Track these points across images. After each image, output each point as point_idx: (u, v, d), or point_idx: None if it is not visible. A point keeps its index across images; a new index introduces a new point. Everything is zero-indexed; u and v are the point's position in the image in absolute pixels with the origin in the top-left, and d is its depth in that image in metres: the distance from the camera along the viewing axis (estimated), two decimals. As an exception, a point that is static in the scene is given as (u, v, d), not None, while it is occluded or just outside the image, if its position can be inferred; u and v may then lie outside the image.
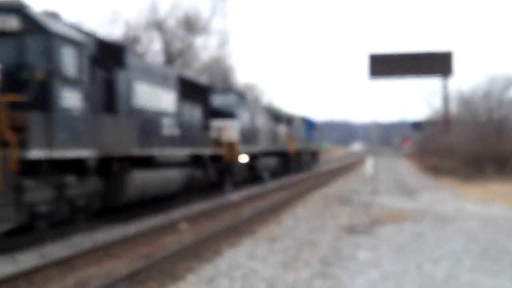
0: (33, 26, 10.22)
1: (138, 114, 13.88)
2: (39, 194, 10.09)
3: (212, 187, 20.26)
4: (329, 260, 9.23)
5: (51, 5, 61.16)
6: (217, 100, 23.01)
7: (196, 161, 18.34)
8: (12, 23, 10.12)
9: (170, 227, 12.93)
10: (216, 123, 21.25)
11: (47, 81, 10.19)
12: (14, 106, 9.64)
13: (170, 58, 39.57)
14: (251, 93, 32.89)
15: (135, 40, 39.96)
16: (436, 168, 35.80)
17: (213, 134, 20.51)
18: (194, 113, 18.43)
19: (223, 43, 44.58)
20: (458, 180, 28.61)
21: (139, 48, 39.97)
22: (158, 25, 41.37)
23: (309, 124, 43.69)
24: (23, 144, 9.46)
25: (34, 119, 9.72)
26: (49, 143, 10.00)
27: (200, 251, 10.08)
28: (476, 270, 8.46)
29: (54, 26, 10.60)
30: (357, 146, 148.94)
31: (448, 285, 7.54)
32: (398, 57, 51.36)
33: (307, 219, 14.37)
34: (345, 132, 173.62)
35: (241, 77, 78.41)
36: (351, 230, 12.52)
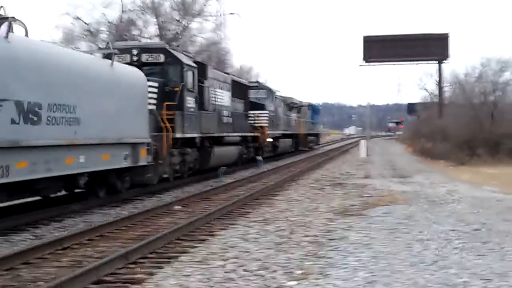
0: (172, 59, 18.51)
1: (215, 109, 21.91)
2: (176, 158, 18.18)
3: (249, 160, 28.27)
4: (320, 241, 9.34)
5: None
6: (251, 94, 30.67)
7: (242, 141, 26.34)
8: (160, 57, 18.45)
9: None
10: (253, 113, 29.40)
11: (180, 92, 18.16)
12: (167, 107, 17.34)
13: (165, 41, 39.46)
14: (270, 85, 37.04)
15: (130, 23, 39.75)
16: (429, 152, 35.97)
17: (250, 121, 28.89)
18: (239, 105, 26.69)
19: (218, 26, 44.47)
20: (451, 163, 28.78)
21: (135, 32, 39.80)
22: (153, 9, 41.18)
23: (314, 110, 51.97)
24: (172, 130, 17.11)
25: (177, 115, 17.71)
26: (182, 129, 18.02)
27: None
28: (465, 250, 8.58)
29: (183, 58, 18.92)
30: (352, 130, 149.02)
31: (437, 265, 7.66)
32: (393, 39, 51.20)
33: (302, 201, 14.48)
34: (340, 115, 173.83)
35: (237, 59, 78.41)
36: (344, 212, 12.64)
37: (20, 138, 9.84)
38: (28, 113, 10.04)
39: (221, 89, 23.27)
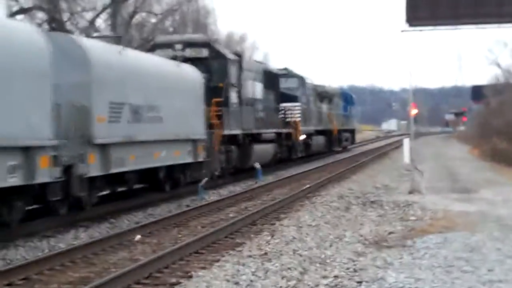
0: (216, 54, 24.38)
1: (252, 104, 27.85)
2: (223, 156, 24.03)
3: (282, 161, 34.44)
4: (345, 285, 9.35)
5: None
6: (282, 84, 34.94)
7: (276, 138, 32.06)
8: (203, 52, 24.11)
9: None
10: (284, 105, 34.25)
11: (225, 88, 23.78)
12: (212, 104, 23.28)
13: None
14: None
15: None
16: (505, 155, 36.00)
17: (281, 115, 33.83)
18: (271, 97, 31.92)
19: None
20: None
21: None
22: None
23: (346, 99, 56.17)
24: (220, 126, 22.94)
25: (224, 112, 23.43)
26: (229, 126, 23.89)
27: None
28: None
29: (227, 53, 24.77)
30: (392, 124, 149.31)
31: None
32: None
33: (318, 227, 14.52)
34: (375, 104, 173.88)
35: (224, 24, 78.62)
36: (379, 242, 12.65)
37: (133, 134, 17.17)
38: (136, 114, 17.38)
39: (255, 80, 28.90)
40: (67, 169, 14.44)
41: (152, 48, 25.52)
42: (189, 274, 10.46)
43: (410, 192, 21.30)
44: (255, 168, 26.91)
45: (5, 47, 12.58)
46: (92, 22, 39.48)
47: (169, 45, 25.07)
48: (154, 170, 19.16)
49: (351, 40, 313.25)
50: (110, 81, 16.41)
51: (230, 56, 25.96)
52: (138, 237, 13.99)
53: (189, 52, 24.74)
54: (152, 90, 18.32)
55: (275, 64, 38.66)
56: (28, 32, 13.81)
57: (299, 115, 35.98)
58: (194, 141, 21.39)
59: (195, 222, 16.50)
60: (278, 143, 32.63)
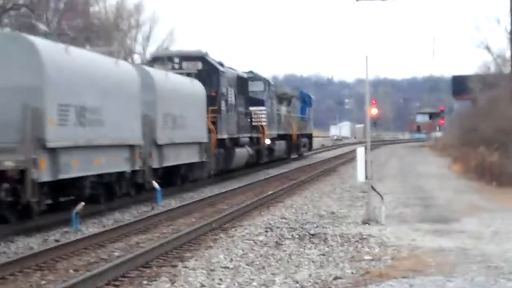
0: (210, 67, 40.24)
1: (232, 110, 42.16)
2: (215, 158, 39.42)
3: (250, 165, 47.10)
4: None
5: None
6: (249, 87, 47.53)
7: (249, 142, 45.69)
8: (198, 65, 39.30)
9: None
10: (251, 109, 46.90)
11: (216, 97, 39.51)
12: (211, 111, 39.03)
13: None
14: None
15: None
16: (496, 172, 36.52)
17: (249, 119, 46.52)
18: (241, 102, 44.55)
19: None
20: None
21: None
22: None
23: (304, 100, 68.72)
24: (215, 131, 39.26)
25: (217, 118, 39.30)
26: (221, 131, 39.69)
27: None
28: None
29: (219, 67, 40.92)
30: (344, 128, 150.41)
31: None
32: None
33: (236, 270, 14.59)
34: (323, 101, 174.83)
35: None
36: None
37: (175, 137, 32.29)
38: (175, 122, 32.53)
39: (231, 86, 42.18)
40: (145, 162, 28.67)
41: (152, 61, 39.80)
42: None
43: (365, 222, 21.60)
44: (156, 189, 29.18)
45: (118, 78, 26.50)
46: None
47: (168, 59, 38.95)
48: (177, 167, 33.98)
49: (288, 15, 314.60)
50: (165, 98, 31.75)
51: (221, 68, 40.70)
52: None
53: (186, 65, 38.74)
54: (179, 103, 33.16)
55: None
56: (129, 68, 29.25)
57: (265, 119, 48.90)
58: (201, 144, 35.98)
59: (65, 263, 16.41)
60: (250, 147, 45.49)
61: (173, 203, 28.48)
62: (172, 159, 31.79)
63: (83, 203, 21.79)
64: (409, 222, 22.02)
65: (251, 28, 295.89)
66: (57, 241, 19.18)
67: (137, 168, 27.35)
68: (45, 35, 25.54)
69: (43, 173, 20.61)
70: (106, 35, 63.35)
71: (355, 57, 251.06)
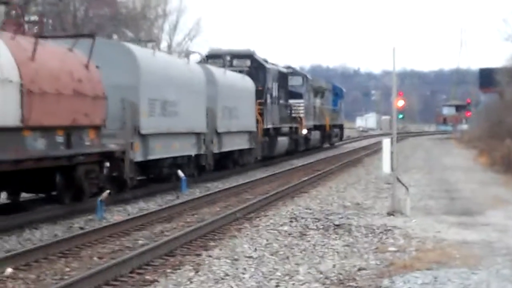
0: (257, 64, 46.53)
1: (275, 102, 48.99)
2: (261, 145, 45.93)
3: (292, 152, 53.60)
4: None
5: None
6: (289, 82, 53.35)
7: (288, 132, 52.39)
8: (247, 63, 45.75)
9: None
10: (291, 101, 52.87)
11: (263, 91, 45.92)
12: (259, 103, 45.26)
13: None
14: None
15: None
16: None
17: (289, 111, 52.95)
18: (282, 95, 50.17)
19: None
20: None
21: None
22: None
23: (335, 93, 74.88)
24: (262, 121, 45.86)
25: (264, 110, 45.84)
26: (267, 121, 46.39)
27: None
28: None
29: (266, 64, 47.73)
30: (371, 120, 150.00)
31: None
32: None
33: (260, 259, 14.60)
34: (349, 91, 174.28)
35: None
36: (345, 282, 12.77)
37: (231, 126, 38.26)
38: (231, 113, 38.58)
39: (274, 81, 47.58)
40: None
41: (207, 58, 43.23)
42: None
43: (390, 214, 21.54)
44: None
45: (189, 76, 31.83)
46: None
47: (219, 56, 44.14)
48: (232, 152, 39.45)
49: (315, 5, 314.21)
50: (224, 92, 37.12)
51: (267, 65, 46.20)
52: (9, 270, 13.88)
53: (236, 63, 44.03)
54: (234, 97, 38.41)
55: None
56: (197, 67, 34.47)
57: (303, 111, 54.80)
58: (250, 132, 41.13)
59: (89, 251, 16.48)
60: (289, 136, 51.19)
61: (197, 192, 28.52)
62: (228, 145, 37.57)
63: (108, 191, 21.86)
64: (434, 214, 21.96)
65: (278, 18, 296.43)
66: (81, 228, 19.28)
67: (201, 152, 32.62)
68: (138, 42, 33.35)
69: (137, 154, 25.96)
70: (133, 24, 63.68)
71: (382, 48, 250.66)
